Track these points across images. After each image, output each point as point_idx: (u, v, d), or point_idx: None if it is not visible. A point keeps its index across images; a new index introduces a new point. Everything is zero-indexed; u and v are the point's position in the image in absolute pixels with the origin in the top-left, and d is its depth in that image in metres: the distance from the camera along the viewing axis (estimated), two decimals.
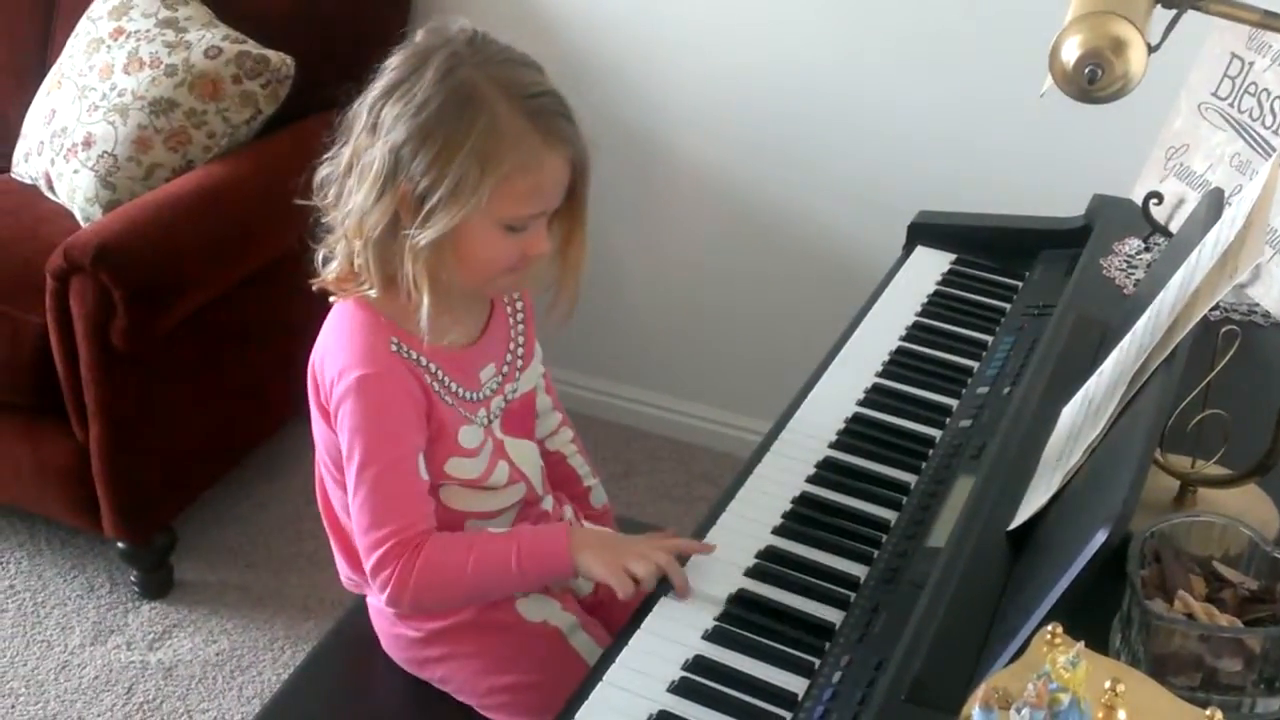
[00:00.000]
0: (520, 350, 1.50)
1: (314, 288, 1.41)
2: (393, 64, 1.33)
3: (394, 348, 1.36)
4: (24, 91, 2.58)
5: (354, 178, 1.33)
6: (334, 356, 1.38)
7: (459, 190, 1.28)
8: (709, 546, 1.35)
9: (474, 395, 1.43)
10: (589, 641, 1.47)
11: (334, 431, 1.39)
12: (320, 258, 1.41)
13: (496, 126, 1.28)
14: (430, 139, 1.28)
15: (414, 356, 1.37)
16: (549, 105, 1.32)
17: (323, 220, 1.39)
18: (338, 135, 1.38)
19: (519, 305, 1.51)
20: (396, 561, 1.35)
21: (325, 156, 1.39)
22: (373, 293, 1.36)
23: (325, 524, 1.49)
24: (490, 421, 1.45)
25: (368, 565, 1.37)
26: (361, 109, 1.34)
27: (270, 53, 2.38)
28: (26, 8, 2.66)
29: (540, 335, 1.53)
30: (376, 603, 1.51)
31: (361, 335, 1.37)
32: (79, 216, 2.37)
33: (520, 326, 1.51)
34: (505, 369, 1.48)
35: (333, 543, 1.49)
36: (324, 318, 1.42)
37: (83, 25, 2.49)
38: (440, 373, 1.39)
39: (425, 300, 1.32)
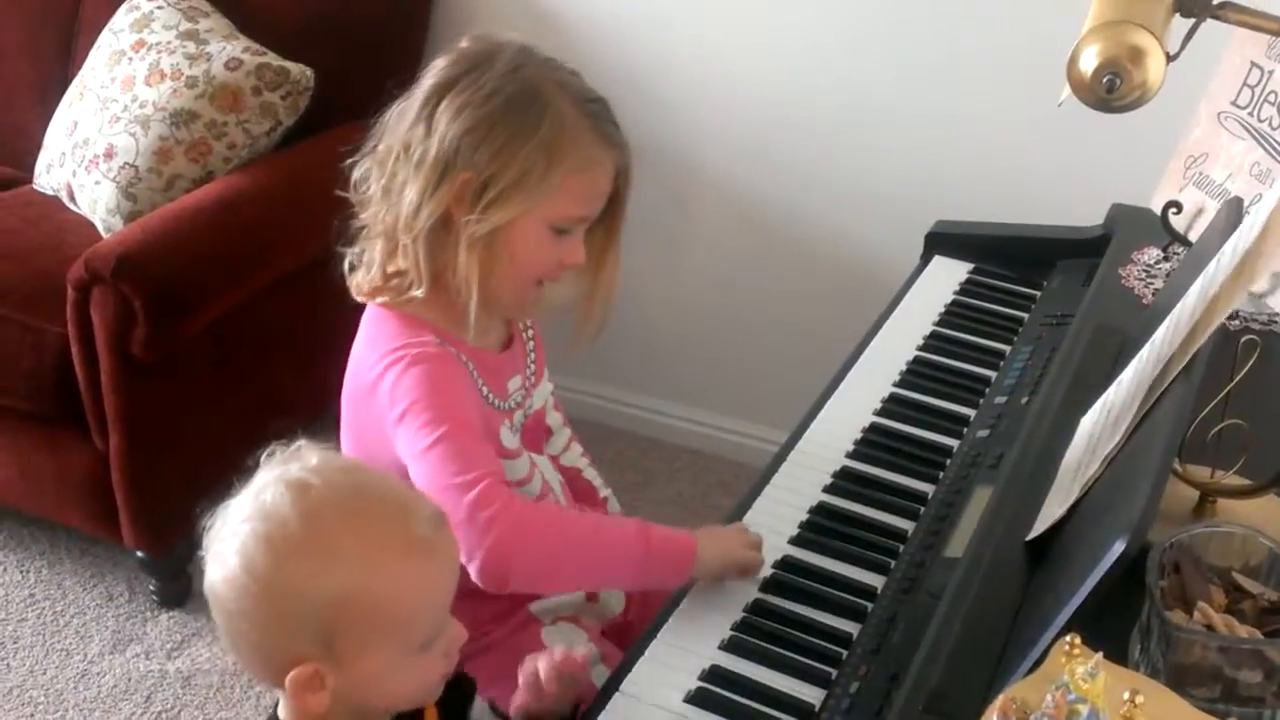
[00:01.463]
0: (533, 368, 1.51)
1: (357, 298, 1.40)
2: (442, 64, 1.35)
3: (438, 341, 1.35)
4: (46, 103, 2.60)
5: (405, 172, 1.33)
6: (376, 348, 1.35)
7: (524, 180, 1.29)
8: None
9: (502, 404, 1.44)
10: (606, 675, 1.46)
11: (376, 427, 1.33)
12: (346, 264, 1.40)
13: (563, 123, 1.31)
14: (497, 129, 1.30)
15: (454, 352, 1.37)
16: (603, 111, 1.36)
17: (355, 221, 1.39)
18: (371, 136, 1.38)
19: (528, 324, 1.53)
20: (497, 502, 1.22)
21: (361, 154, 1.39)
22: (418, 292, 1.34)
23: None
24: (514, 432, 1.46)
25: (463, 512, 1.21)
26: (409, 106, 1.34)
27: (290, 64, 2.40)
28: (49, 20, 2.69)
29: (562, 350, 1.53)
30: None
31: (403, 329, 1.36)
32: (100, 227, 2.39)
33: (531, 345, 1.52)
34: (526, 383, 1.49)
35: None
36: (344, 325, 1.42)
37: (104, 37, 2.51)
38: (476, 374, 1.39)
39: (475, 293, 1.32)
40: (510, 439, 1.42)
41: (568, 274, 1.40)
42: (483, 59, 1.33)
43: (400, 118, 1.35)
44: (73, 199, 2.47)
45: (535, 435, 1.52)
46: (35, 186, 2.58)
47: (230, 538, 1.02)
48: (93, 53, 2.52)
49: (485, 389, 1.41)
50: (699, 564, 1.30)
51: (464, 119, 1.30)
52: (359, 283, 1.40)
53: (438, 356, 1.33)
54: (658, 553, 1.29)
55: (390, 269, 1.37)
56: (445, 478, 1.25)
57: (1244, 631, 1.03)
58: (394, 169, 1.34)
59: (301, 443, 1.08)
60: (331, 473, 1.04)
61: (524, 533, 1.23)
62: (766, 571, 1.34)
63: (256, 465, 1.07)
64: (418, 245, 1.33)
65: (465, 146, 1.30)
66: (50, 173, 2.53)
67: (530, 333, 1.53)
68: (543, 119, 1.30)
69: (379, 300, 1.39)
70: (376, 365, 1.34)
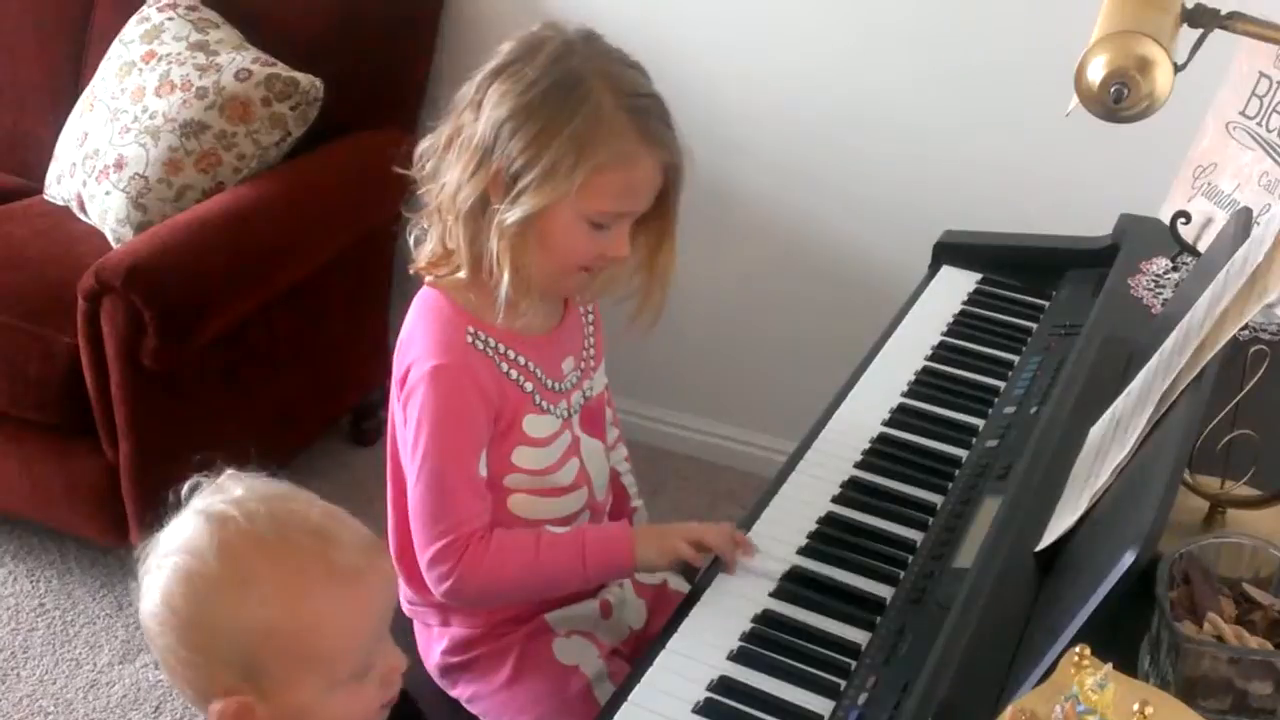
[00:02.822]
0: (591, 351, 1.51)
1: (410, 271, 1.43)
2: (505, 48, 1.35)
3: (469, 338, 1.37)
4: (57, 114, 2.61)
5: (453, 152, 1.35)
6: (411, 345, 1.40)
7: (552, 173, 1.29)
8: (751, 549, 1.37)
9: (558, 385, 1.45)
10: (611, 692, 1.47)
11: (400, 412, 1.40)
12: (413, 238, 1.42)
13: (598, 116, 1.30)
14: (532, 118, 1.30)
15: (492, 344, 1.38)
16: (651, 107, 1.34)
17: (418, 194, 1.41)
18: (445, 114, 1.39)
19: (589, 307, 1.53)
20: (452, 560, 1.35)
21: (430, 132, 1.41)
22: (462, 274, 1.37)
23: (393, 543, 1.47)
24: (571, 415, 1.46)
25: (424, 559, 1.38)
26: (469, 88, 1.36)
27: (300, 75, 2.41)
28: (60, 31, 2.70)
29: (612, 348, 1.54)
30: (417, 616, 1.53)
31: (438, 325, 1.38)
32: (110, 238, 2.40)
33: (590, 329, 1.52)
34: (582, 365, 1.49)
35: (396, 564, 1.48)
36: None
37: (115, 49, 2.52)
38: (523, 359, 1.40)
39: (505, 279, 1.33)
40: (543, 426, 1.42)
41: (626, 266, 1.42)
42: (536, 45, 1.33)
43: (461, 99, 1.37)
44: (83, 209, 2.48)
45: (597, 420, 1.52)
46: (46, 197, 2.59)
47: (155, 571, 1.02)
48: (103, 64, 2.53)
49: (538, 371, 1.42)
50: (639, 558, 1.39)
51: (505, 105, 1.31)
52: (420, 257, 1.42)
53: (453, 369, 1.35)
54: (594, 560, 1.39)
55: (447, 246, 1.39)
56: (420, 519, 1.38)
57: (1254, 643, 1.03)
58: (446, 148, 1.37)
59: (229, 472, 1.07)
60: (252, 503, 1.02)
61: (470, 580, 1.36)
62: (773, 583, 1.34)
63: (178, 499, 1.06)
64: (458, 226, 1.35)
65: (504, 134, 1.30)
66: (61, 183, 2.54)
67: (591, 315, 1.52)
68: (577, 111, 1.29)
69: (430, 279, 1.41)
70: (406, 363, 1.39)
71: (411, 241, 1.43)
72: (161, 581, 1.01)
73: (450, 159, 1.35)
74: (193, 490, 1.06)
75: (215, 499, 1.03)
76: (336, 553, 1.00)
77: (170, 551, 1.01)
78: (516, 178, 1.30)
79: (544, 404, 1.42)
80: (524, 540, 1.39)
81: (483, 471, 1.38)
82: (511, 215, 1.31)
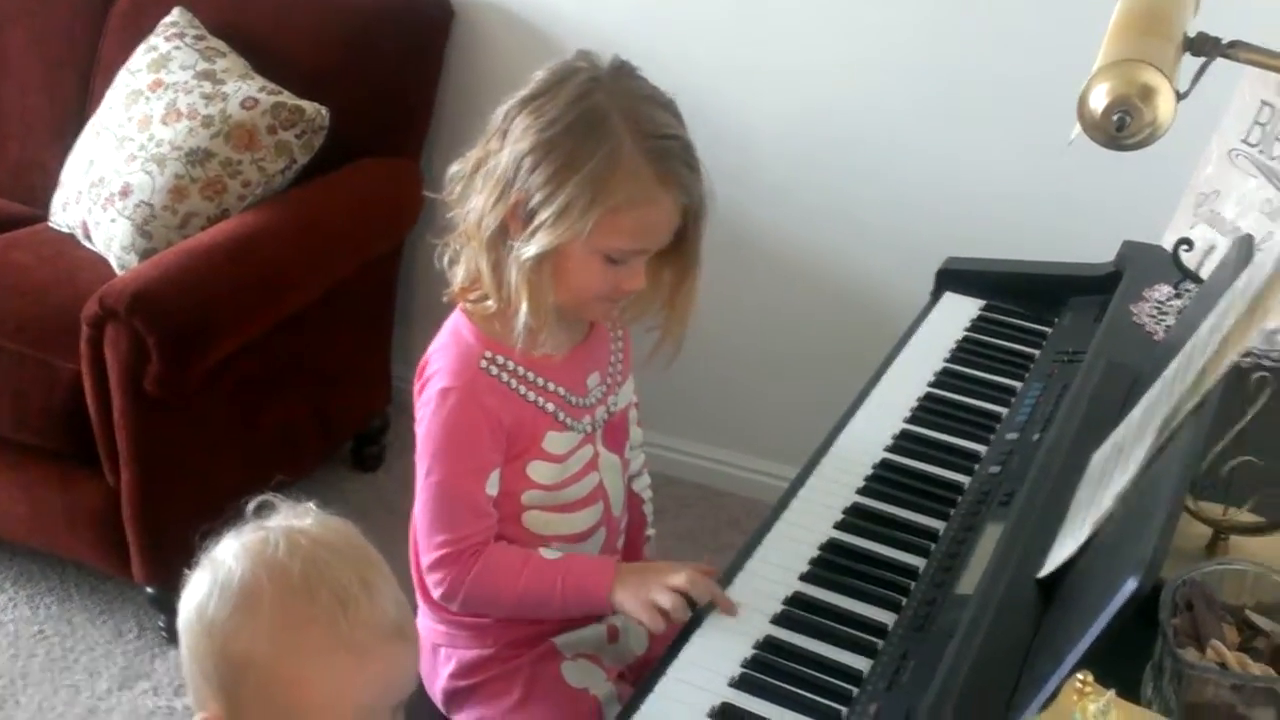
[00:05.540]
0: (619, 365, 1.52)
1: (445, 299, 1.44)
2: (537, 77, 1.35)
3: (485, 363, 1.38)
4: (63, 142, 2.63)
5: (480, 178, 1.36)
6: (433, 360, 1.42)
7: (566, 213, 1.29)
8: (733, 608, 1.33)
9: (581, 401, 1.45)
10: None
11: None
12: (445, 260, 1.43)
13: (617, 158, 1.29)
14: (551, 156, 1.30)
15: (510, 367, 1.39)
16: (673, 149, 1.33)
17: (449, 216, 1.42)
18: (477, 138, 1.40)
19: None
20: (450, 568, 1.39)
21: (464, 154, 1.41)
22: (490, 303, 1.37)
23: (411, 552, 1.49)
24: (594, 430, 1.47)
25: (425, 563, 1.42)
26: (499, 113, 1.36)
27: (305, 103, 2.42)
28: (67, 60, 2.72)
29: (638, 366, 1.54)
30: (423, 638, 1.52)
31: (456, 350, 1.40)
32: (115, 264, 2.40)
33: (619, 343, 1.52)
34: (608, 380, 1.49)
35: (413, 574, 1.50)
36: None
37: (122, 77, 2.53)
38: (542, 380, 1.41)
39: (523, 309, 1.34)
40: (562, 443, 1.43)
41: (654, 300, 1.43)
42: (564, 77, 1.33)
43: (492, 123, 1.37)
44: (88, 236, 2.49)
45: (620, 435, 1.52)
46: (51, 224, 2.60)
47: (200, 567, 1.04)
48: (110, 92, 2.54)
49: (560, 390, 1.42)
50: (616, 602, 1.38)
51: (527, 138, 1.31)
52: (454, 282, 1.43)
53: (460, 393, 1.37)
54: (572, 597, 1.39)
55: (474, 270, 1.39)
56: (423, 527, 1.42)
57: (1257, 669, 1.03)
58: (473, 173, 1.37)
59: (310, 505, 1.07)
60: (303, 540, 1.02)
61: (461, 590, 1.40)
62: (777, 608, 1.33)
63: (261, 508, 1.07)
64: (481, 253, 1.36)
65: (524, 167, 1.31)
66: (66, 210, 2.55)
67: (620, 332, 1.53)
68: (596, 151, 1.29)
69: (463, 304, 1.42)
70: (426, 376, 1.42)
71: (445, 263, 1.43)
72: (196, 579, 1.03)
73: (477, 185, 1.36)
74: (259, 507, 1.06)
75: (280, 520, 1.05)
76: (349, 622, 0.99)
77: (219, 554, 1.03)
78: (533, 213, 1.31)
79: (567, 420, 1.43)
80: (513, 561, 1.40)
81: (491, 490, 1.39)
82: (527, 251, 1.31)
